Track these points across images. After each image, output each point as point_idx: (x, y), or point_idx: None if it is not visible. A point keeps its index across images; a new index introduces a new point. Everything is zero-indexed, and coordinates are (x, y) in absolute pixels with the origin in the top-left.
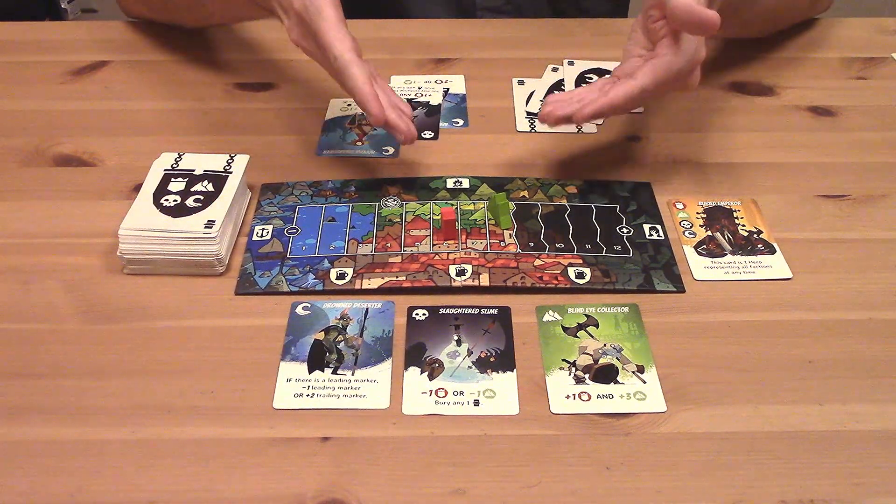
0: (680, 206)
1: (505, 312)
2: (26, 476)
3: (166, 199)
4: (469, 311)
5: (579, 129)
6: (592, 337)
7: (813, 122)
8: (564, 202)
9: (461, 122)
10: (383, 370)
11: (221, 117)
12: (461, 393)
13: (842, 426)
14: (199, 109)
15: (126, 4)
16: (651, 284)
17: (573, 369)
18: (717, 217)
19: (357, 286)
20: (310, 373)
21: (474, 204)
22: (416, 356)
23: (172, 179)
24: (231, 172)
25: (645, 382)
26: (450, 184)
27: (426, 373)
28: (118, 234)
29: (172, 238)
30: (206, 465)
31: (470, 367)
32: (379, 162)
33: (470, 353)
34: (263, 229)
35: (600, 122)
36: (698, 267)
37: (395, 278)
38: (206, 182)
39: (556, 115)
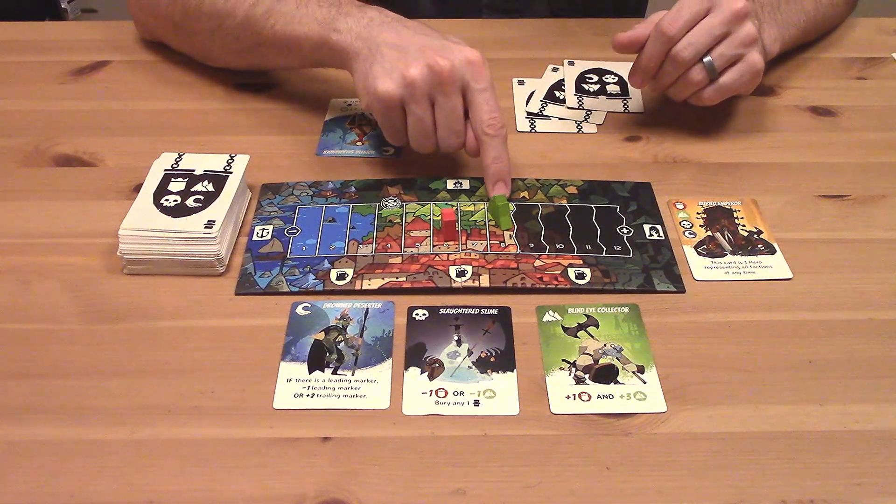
0: (680, 206)
1: (505, 312)
2: (26, 476)
3: (166, 199)
4: (469, 312)
5: (579, 129)
6: (592, 337)
7: (813, 122)
8: (564, 203)
9: None
10: (383, 370)
11: (221, 117)
12: (461, 393)
13: (842, 426)
14: (199, 109)
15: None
16: (651, 284)
17: (573, 369)
18: (718, 217)
19: (357, 287)
20: (310, 373)
21: (474, 205)
22: (417, 356)
23: (172, 179)
24: (231, 172)
25: (645, 382)
26: (450, 184)
27: (426, 373)
28: (118, 234)
29: (172, 238)
30: (206, 465)
31: (470, 368)
32: (379, 162)
33: (470, 353)
34: (263, 229)
35: (601, 122)
36: (698, 267)
37: (395, 279)
38: (206, 182)
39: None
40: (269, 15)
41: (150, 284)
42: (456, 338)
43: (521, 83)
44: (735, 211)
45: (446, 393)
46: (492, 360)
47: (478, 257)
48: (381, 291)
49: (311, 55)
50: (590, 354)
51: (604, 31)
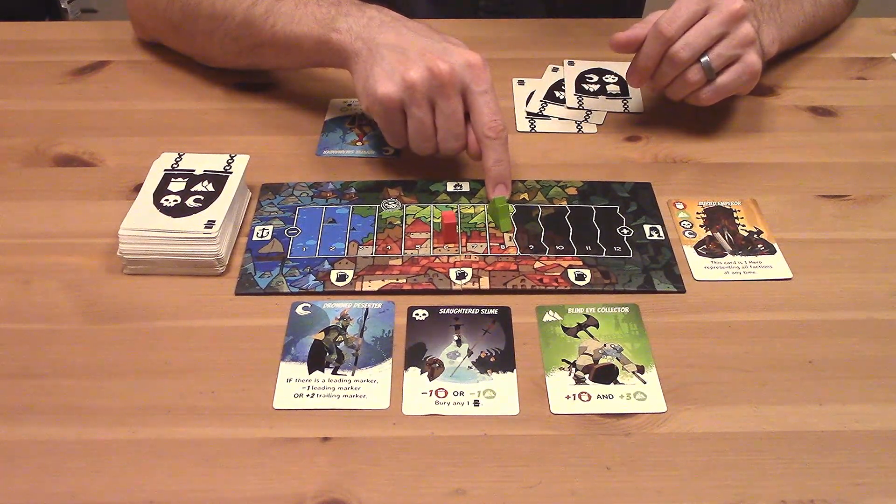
0: (680, 206)
1: (505, 312)
2: (26, 476)
3: (166, 199)
4: (469, 312)
5: (579, 129)
6: (592, 337)
7: (813, 122)
8: (564, 204)
9: None
10: (383, 370)
11: (221, 117)
12: (461, 393)
13: (842, 426)
14: (199, 109)
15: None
16: (651, 285)
17: (573, 369)
18: (718, 217)
19: (357, 288)
20: (310, 373)
21: (474, 207)
22: (416, 356)
23: (172, 179)
24: (231, 172)
25: (645, 383)
26: (450, 187)
27: (426, 373)
28: (118, 234)
29: (172, 238)
30: (206, 465)
31: (470, 368)
32: (379, 162)
33: (470, 353)
34: (263, 230)
35: (601, 122)
36: (698, 267)
37: (395, 281)
38: (206, 182)
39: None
40: (268, 15)
41: (150, 284)
42: (456, 338)
43: (521, 83)
44: (735, 211)
45: (446, 393)
46: (492, 360)
47: (478, 259)
48: (381, 293)
49: (310, 55)
50: (590, 354)
51: (603, 32)
